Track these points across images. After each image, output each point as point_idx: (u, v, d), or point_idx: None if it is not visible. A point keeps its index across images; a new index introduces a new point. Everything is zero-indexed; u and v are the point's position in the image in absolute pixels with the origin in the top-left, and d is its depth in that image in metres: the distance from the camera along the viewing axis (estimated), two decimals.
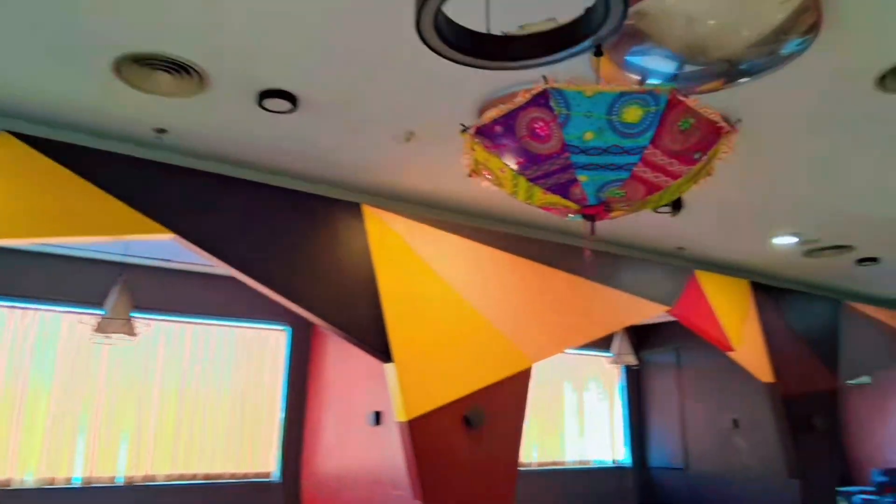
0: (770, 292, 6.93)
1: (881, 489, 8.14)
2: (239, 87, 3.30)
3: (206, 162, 4.16)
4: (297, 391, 6.15)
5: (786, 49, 3.13)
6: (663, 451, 7.90)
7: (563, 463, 7.37)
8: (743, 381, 6.95)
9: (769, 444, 6.84)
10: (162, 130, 3.75)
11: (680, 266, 6.27)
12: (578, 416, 7.70)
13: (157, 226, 3.73)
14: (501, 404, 4.82)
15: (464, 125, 1.91)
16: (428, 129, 3.75)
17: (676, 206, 3.13)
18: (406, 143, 3.89)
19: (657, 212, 5.10)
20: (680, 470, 7.67)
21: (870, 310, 8.05)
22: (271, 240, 4.13)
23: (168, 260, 5.60)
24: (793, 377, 6.80)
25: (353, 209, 4.52)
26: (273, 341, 6.22)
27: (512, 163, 1.83)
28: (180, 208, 3.86)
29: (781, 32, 3.07)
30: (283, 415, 6.08)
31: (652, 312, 5.83)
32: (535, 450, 7.15)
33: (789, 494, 6.64)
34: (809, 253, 6.38)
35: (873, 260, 6.65)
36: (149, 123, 3.70)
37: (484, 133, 1.83)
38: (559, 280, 5.31)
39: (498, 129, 1.78)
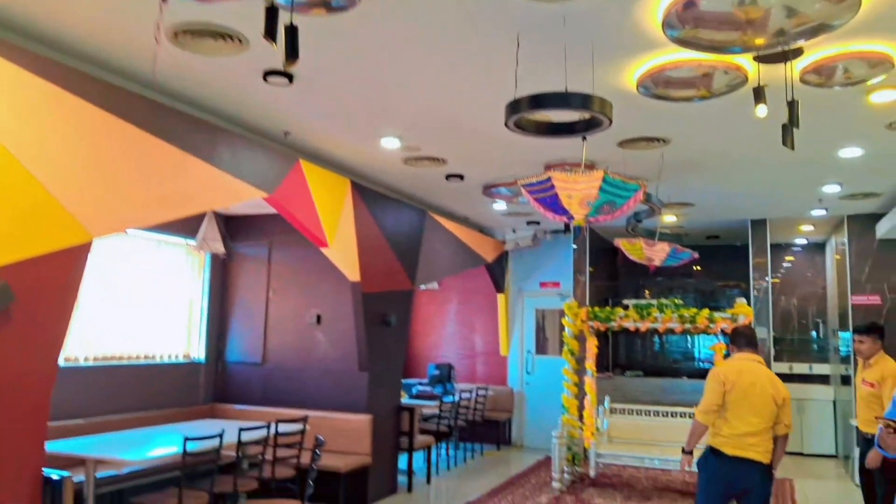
0: (367, 194, 7.00)
1: (433, 381, 9.30)
2: None
3: None
4: None
5: None
6: (243, 346, 7.61)
7: (123, 358, 6.48)
8: (330, 278, 6.99)
9: (347, 339, 7.06)
10: None
11: (284, 152, 5.83)
12: (148, 306, 6.85)
13: None
14: (43, 285, 3.79)
15: None
16: None
17: (293, 55, 2.61)
18: None
19: (268, 81, 4.53)
20: (257, 364, 7.49)
21: (446, 222, 8.88)
22: None
23: None
24: (376, 277, 7.06)
25: None
26: None
27: None
28: None
29: None
30: None
31: (248, 196, 5.28)
32: (87, 342, 6.10)
33: (359, 386, 6.99)
34: (408, 161, 6.57)
35: (460, 177, 7.20)
36: None
37: None
38: (142, 142, 4.35)
39: None
